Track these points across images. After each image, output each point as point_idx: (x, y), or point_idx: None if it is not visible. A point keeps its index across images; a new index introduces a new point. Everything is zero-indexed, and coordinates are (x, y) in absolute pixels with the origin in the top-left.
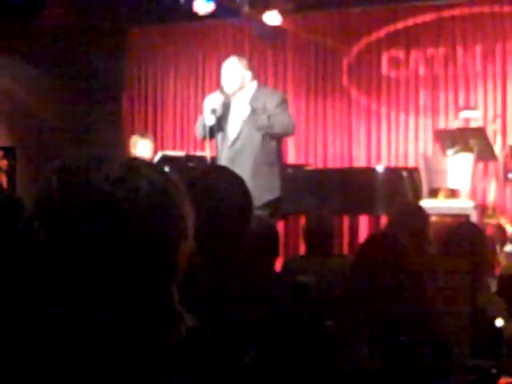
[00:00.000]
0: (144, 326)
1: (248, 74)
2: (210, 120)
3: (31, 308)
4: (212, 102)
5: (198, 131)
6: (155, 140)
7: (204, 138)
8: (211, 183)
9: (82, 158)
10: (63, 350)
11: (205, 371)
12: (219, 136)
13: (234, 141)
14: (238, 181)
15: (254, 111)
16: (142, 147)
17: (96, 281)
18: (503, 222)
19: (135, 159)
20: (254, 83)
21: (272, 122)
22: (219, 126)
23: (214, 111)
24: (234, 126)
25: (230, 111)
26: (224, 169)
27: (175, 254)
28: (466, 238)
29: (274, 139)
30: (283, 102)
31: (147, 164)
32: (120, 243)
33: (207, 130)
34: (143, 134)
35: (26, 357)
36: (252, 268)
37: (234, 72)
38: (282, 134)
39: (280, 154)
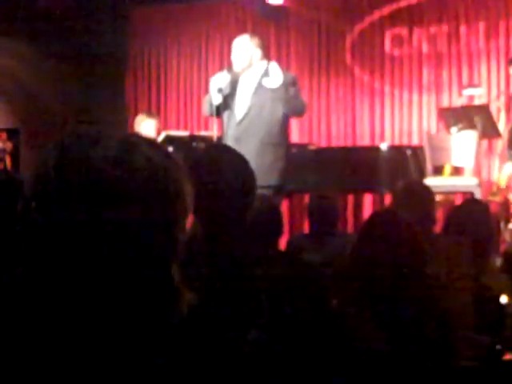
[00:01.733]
0: (145, 305)
1: (258, 52)
2: (216, 99)
3: (29, 289)
4: (218, 80)
5: (205, 109)
6: (158, 120)
7: (211, 115)
8: (214, 162)
9: (79, 136)
10: (64, 333)
11: (207, 350)
12: (226, 114)
13: (242, 119)
14: (241, 160)
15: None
16: (146, 126)
17: (95, 261)
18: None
19: (133, 136)
20: (265, 62)
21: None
22: (226, 105)
23: (220, 90)
24: (241, 105)
25: (237, 90)
26: (227, 148)
27: (174, 232)
28: (470, 215)
29: (285, 117)
30: (295, 83)
31: (146, 141)
32: (118, 222)
33: (214, 108)
34: (149, 114)
35: (25, 337)
36: (254, 246)
37: (244, 49)
38: (292, 113)
39: (286, 135)
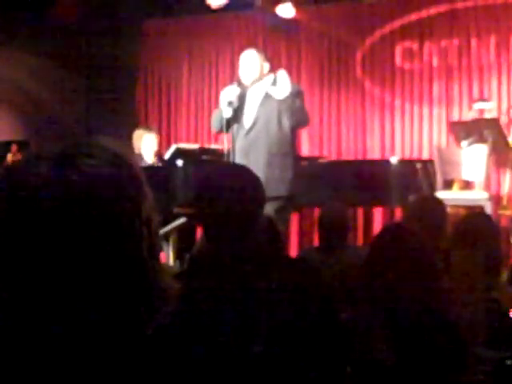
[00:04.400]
0: (118, 316)
1: (266, 66)
2: (227, 113)
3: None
4: (228, 94)
5: (214, 124)
6: (169, 133)
7: (220, 131)
8: (225, 181)
9: (29, 155)
10: (36, 341)
11: (210, 362)
12: (235, 127)
13: (249, 130)
14: (251, 177)
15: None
16: (147, 141)
17: (56, 270)
18: None
19: (70, 148)
20: (271, 75)
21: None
22: (235, 118)
23: (230, 103)
24: (249, 117)
25: (245, 102)
26: (240, 167)
27: (130, 236)
28: (477, 229)
29: (291, 129)
30: (300, 94)
31: (86, 150)
32: (67, 233)
33: (224, 122)
34: (148, 128)
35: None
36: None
37: (254, 63)
38: (296, 124)
39: (294, 145)
